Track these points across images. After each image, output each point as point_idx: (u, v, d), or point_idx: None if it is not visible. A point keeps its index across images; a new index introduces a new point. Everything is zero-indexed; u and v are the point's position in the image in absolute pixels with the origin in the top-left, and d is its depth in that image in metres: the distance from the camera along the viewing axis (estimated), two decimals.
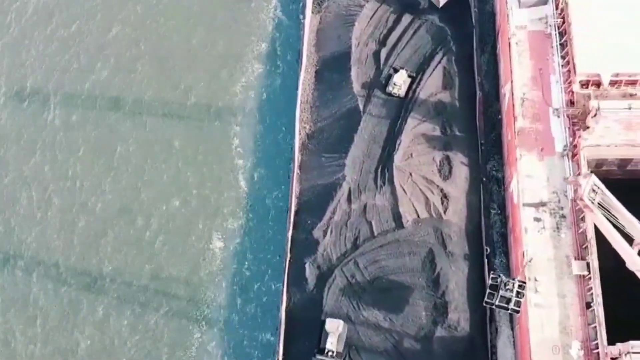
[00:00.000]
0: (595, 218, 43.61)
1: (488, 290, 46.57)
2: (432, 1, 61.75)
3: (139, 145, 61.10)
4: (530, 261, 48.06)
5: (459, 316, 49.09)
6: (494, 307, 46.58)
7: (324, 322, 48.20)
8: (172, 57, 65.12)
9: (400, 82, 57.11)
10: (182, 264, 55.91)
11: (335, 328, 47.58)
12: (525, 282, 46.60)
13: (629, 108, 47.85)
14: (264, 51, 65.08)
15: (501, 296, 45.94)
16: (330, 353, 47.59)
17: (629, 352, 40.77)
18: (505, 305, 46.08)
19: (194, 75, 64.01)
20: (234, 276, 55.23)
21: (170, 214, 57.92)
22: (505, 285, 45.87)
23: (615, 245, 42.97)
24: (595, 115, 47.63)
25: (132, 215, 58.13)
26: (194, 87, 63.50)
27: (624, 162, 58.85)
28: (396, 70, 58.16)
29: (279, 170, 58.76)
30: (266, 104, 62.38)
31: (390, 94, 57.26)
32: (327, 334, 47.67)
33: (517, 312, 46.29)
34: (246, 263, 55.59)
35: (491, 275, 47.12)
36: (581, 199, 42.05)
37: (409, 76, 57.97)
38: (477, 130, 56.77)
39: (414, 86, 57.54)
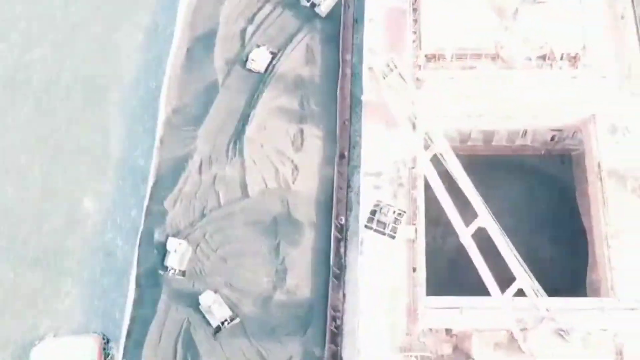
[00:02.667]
0: (379, 89, 42.29)
1: (368, 215, 47.37)
2: (316, 11, 62.17)
3: (15, 109, 63.50)
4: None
5: (298, 282, 50.51)
6: (372, 230, 47.20)
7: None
8: (52, 24, 67.18)
9: (257, 58, 58.33)
10: (53, 220, 58.48)
11: (174, 247, 50.58)
12: (404, 212, 47.28)
13: (452, 78, 49.40)
14: (145, 23, 67.10)
15: (378, 221, 46.76)
16: (172, 271, 50.57)
17: (425, 307, 42.36)
18: (382, 230, 46.79)
19: (75, 40, 66.30)
20: (99, 236, 57.85)
21: (43, 173, 60.68)
22: (381, 210, 46.69)
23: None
24: (421, 86, 49.21)
25: (6, 175, 60.62)
26: (73, 53, 65.66)
27: (487, 137, 60.74)
28: (258, 47, 59.44)
29: (147, 142, 60.53)
30: (142, 76, 64.43)
31: (250, 70, 58.62)
32: (168, 252, 50.79)
33: (393, 237, 47.00)
34: (111, 226, 58.18)
35: (375, 202, 47.79)
36: (371, 68, 40.72)
37: (271, 53, 59.26)
38: (337, 104, 58.08)
39: (274, 62, 58.87)
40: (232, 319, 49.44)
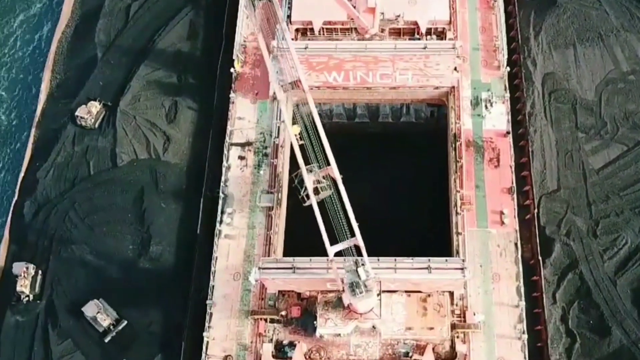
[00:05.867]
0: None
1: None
2: None
3: None
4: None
5: (163, 249, 51.50)
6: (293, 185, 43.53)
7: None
8: None
9: (86, 115, 55.60)
10: None
11: (21, 271, 49.71)
12: (329, 188, 42.31)
13: (305, 48, 50.55)
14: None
15: (301, 180, 41.53)
16: (26, 298, 49.95)
17: (261, 267, 43.50)
18: (299, 189, 42.25)
19: None
20: None
21: None
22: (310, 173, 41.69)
23: None
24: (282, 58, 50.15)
25: None
26: None
27: (373, 113, 61.94)
28: (89, 100, 56.56)
29: (30, 115, 61.51)
30: (33, 52, 65.51)
31: (82, 127, 56.55)
32: (16, 277, 49.88)
33: (304, 201, 42.49)
34: None
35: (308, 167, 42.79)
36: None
37: (104, 105, 56.97)
38: (217, 79, 59.05)
39: (155, 36, 59.80)
40: (117, 322, 49.07)
